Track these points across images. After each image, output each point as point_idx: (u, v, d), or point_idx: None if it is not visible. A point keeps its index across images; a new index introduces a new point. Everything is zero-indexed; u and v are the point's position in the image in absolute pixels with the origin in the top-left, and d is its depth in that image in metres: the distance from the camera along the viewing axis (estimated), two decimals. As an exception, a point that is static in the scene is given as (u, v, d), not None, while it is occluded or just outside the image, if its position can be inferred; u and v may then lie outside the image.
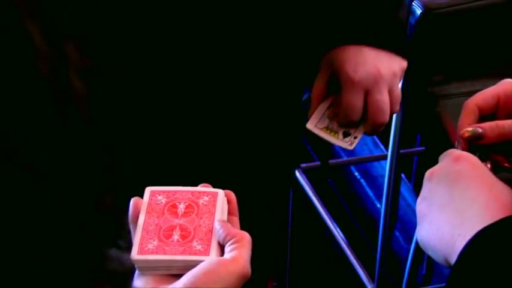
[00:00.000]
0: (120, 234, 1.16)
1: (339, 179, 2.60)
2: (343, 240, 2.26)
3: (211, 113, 1.20)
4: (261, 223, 1.34)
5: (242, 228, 0.86)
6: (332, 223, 2.30)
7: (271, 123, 1.27)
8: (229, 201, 0.87)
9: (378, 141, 2.55)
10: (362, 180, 2.58)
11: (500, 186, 0.74)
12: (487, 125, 0.84)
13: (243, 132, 1.24)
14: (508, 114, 0.85)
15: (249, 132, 1.24)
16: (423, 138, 2.31)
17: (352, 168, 2.60)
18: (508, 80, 0.87)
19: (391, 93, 1.20)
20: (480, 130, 0.83)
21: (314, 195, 2.36)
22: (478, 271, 0.67)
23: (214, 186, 0.89)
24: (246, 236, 0.81)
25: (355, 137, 1.23)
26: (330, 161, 2.48)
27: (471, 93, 0.89)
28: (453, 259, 0.70)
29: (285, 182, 1.44)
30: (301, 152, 2.51)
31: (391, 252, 2.26)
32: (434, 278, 2.15)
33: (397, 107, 1.22)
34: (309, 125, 1.23)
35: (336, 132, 1.23)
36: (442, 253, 0.73)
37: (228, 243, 0.81)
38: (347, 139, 1.23)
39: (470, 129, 0.84)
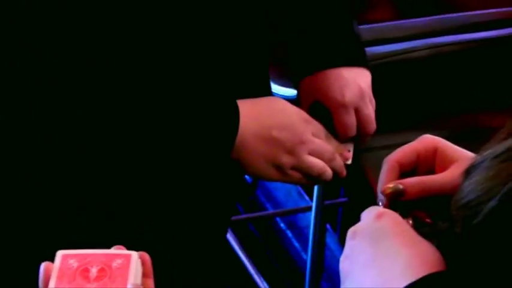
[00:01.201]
0: None
1: (264, 231, 2.60)
2: (269, 292, 2.26)
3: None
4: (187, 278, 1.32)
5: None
6: (258, 276, 2.30)
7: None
8: (143, 263, 0.85)
9: (302, 192, 2.56)
10: (288, 232, 2.58)
11: (422, 243, 0.75)
12: (408, 181, 0.85)
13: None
14: (428, 170, 0.87)
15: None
16: (346, 190, 2.33)
17: (278, 219, 2.60)
18: (427, 136, 0.88)
19: (371, 102, 1.27)
20: (401, 187, 0.84)
21: (239, 248, 2.35)
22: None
23: (137, 245, 0.88)
24: None
25: (349, 150, 1.27)
26: (256, 214, 2.48)
27: (392, 146, 0.90)
28: (377, 319, 0.70)
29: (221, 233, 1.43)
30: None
31: (318, 303, 2.26)
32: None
33: (374, 114, 1.28)
34: None
35: None
36: (366, 312, 0.73)
37: None
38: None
39: (391, 185, 0.85)
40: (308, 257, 2.02)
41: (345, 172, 1.22)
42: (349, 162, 1.27)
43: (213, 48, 1.15)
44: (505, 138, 0.70)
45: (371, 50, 1.72)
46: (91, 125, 1.08)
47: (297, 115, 1.16)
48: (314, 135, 1.17)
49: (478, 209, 0.67)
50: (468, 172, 0.71)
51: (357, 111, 1.25)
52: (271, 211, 2.57)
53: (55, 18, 1.04)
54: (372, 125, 1.27)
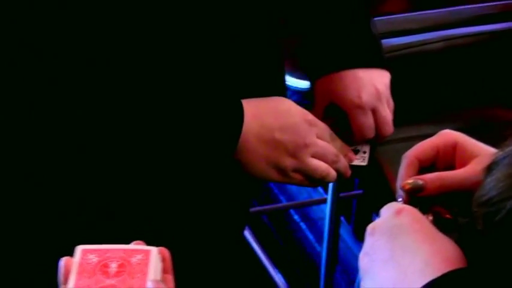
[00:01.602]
0: None
1: (278, 223, 2.60)
2: (284, 285, 2.26)
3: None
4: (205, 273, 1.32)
5: (179, 284, 0.85)
6: (273, 268, 2.30)
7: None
8: (163, 259, 0.85)
9: (316, 184, 2.56)
10: (302, 224, 2.58)
11: (442, 239, 0.75)
12: (427, 177, 0.85)
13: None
14: (448, 166, 0.86)
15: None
16: (361, 181, 2.32)
17: (292, 212, 2.60)
18: (447, 131, 0.88)
19: (388, 103, 1.26)
20: (421, 182, 0.84)
21: (254, 240, 2.35)
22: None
23: (156, 237, 0.88)
24: None
25: (365, 152, 1.27)
26: (270, 206, 2.48)
27: (407, 139, 0.90)
28: (397, 315, 0.70)
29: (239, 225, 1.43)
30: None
31: (332, 295, 2.27)
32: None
33: (392, 115, 1.27)
34: None
35: None
36: (386, 309, 0.73)
37: None
38: (358, 156, 1.26)
39: (410, 181, 0.84)
40: (323, 250, 2.02)
41: (349, 173, 1.21)
42: (365, 163, 1.26)
43: (226, 43, 1.14)
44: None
45: (384, 43, 1.71)
46: (95, 125, 1.08)
47: (301, 117, 1.14)
48: (318, 137, 1.15)
49: (500, 206, 0.66)
50: (490, 169, 0.71)
51: (374, 113, 1.24)
52: (285, 203, 2.57)
53: (55, 18, 1.03)
54: (389, 127, 1.25)
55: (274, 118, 1.12)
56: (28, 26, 1.03)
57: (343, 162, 1.19)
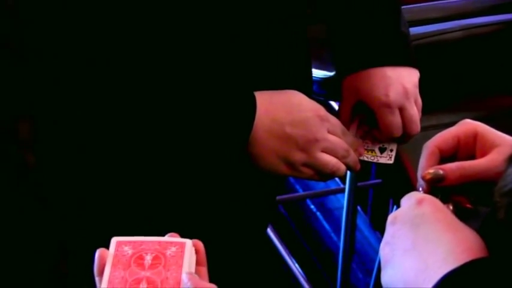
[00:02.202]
0: None
1: (295, 213, 2.60)
2: (301, 274, 2.26)
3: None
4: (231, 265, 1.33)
5: (212, 276, 0.85)
6: (290, 258, 2.30)
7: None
8: (197, 251, 0.85)
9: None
10: (318, 214, 2.58)
11: (463, 229, 0.75)
12: (448, 166, 0.85)
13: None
14: (468, 155, 0.86)
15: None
16: (378, 171, 2.32)
17: (308, 201, 2.60)
18: (467, 121, 0.88)
19: (416, 102, 1.26)
20: (441, 172, 0.84)
21: (271, 229, 2.36)
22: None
23: (188, 228, 0.88)
24: None
25: (391, 150, 1.27)
26: (286, 196, 2.48)
27: (427, 128, 0.89)
28: (419, 305, 0.70)
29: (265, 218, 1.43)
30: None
31: (349, 285, 2.26)
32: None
33: (420, 114, 1.27)
34: None
35: (373, 150, 1.27)
36: (407, 298, 0.73)
37: None
38: (385, 154, 1.27)
39: (431, 171, 0.85)
40: (341, 240, 2.02)
41: (358, 167, 1.21)
42: (392, 161, 1.26)
43: (252, 33, 1.14)
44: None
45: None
46: (106, 122, 1.08)
47: (312, 112, 1.14)
48: (329, 132, 1.16)
49: (522, 196, 0.67)
50: (512, 158, 0.71)
51: (401, 111, 1.24)
52: (301, 193, 2.57)
53: (56, 18, 1.04)
54: (416, 126, 1.25)
55: (285, 112, 1.12)
56: (30, 26, 1.04)
57: (353, 157, 1.19)
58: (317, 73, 1.67)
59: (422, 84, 1.30)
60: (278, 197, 2.46)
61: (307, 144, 1.13)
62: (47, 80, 1.06)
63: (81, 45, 1.05)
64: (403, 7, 1.32)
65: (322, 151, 1.15)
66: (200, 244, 0.86)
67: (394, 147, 1.27)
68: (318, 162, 1.15)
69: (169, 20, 1.08)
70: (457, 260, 0.70)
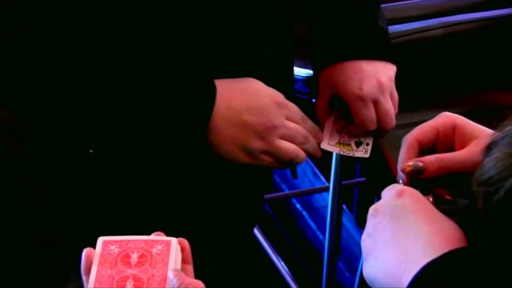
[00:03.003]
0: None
1: (281, 212, 2.61)
2: (287, 273, 2.26)
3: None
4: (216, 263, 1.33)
5: (198, 275, 0.85)
6: (276, 256, 2.30)
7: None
8: (183, 249, 0.86)
9: (318, 173, 2.56)
10: (304, 213, 2.59)
11: (442, 219, 0.75)
12: (427, 159, 0.85)
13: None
14: (447, 147, 0.87)
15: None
16: (363, 169, 2.33)
17: (294, 200, 2.60)
18: (446, 114, 0.88)
19: (392, 97, 1.25)
20: (421, 164, 0.84)
21: (257, 229, 2.36)
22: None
23: (173, 226, 0.89)
24: (200, 285, 0.80)
25: (367, 144, 1.26)
26: (273, 195, 2.48)
27: (409, 125, 0.90)
28: (400, 294, 0.70)
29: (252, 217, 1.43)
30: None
31: (335, 283, 2.27)
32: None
33: (396, 109, 1.26)
34: (323, 145, 1.25)
35: (349, 145, 1.27)
36: (388, 288, 0.73)
37: None
38: (361, 148, 1.26)
39: (411, 163, 0.85)
40: (326, 238, 2.02)
41: (319, 154, 1.20)
42: (367, 155, 1.26)
43: (235, 29, 1.14)
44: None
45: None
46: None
47: (270, 98, 1.13)
48: (288, 118, 1.14)
49: (499, 185, 0.67)
50: (489, 149, 0.71)
51: (376, 105, 1.23)
52: (287, 192, 2.57)
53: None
54: (391, 120, 1.24)
55: (242, 99, 1.11)
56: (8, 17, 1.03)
57: (312, 144, 1.17)
58: (301, 72, 1.68)
59: (404, 81, 1.31)
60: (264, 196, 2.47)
61: (265, 132, 1.11)
62: (25, 71, 1.05)
63: (51, 32, 1.04)
64: (384, 5, 1.33)
65: (281, 138, 1.13)
66: (186, 242, 0.86)
67: (370, 141, 1.26)
68: (277, 150, 1.13)
69: (149, 15, 1.08)
70: (436, 251, 0.71)
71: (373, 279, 0.76)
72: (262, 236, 2.34)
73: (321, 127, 1.26)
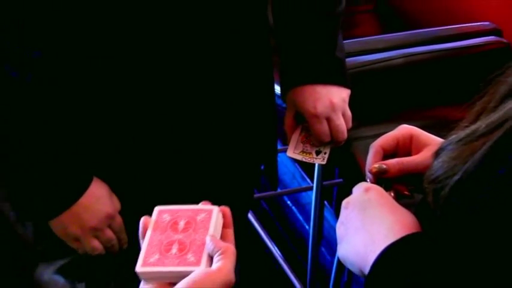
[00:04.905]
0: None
1: (275, 207, 2.60)
2: (280, 256, 2.26)
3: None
4: None
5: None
6: (270, 242, 2.30)
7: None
8: (224, 216, 0.83)
9: (304, 175, 2.55)
10: (293, 208, 2.58)
11: (402, 210, 0.75)
12: (390, 162, 0.85)
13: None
14: (406, 153, 0.87)
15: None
16: (341, 172, 2.32)
17: (285, 198, 2.60)
18: (404, 126, 0.88)
19: (344, 115, 1.24)
20: (385, 166, 0.84)
21: (256, 221, 2.35)
22: (386, 279, 0.68)
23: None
24: (230, 248, 0.79)
25: (325, 153, 1.26)
26: (267, 193, 2.47)
27: (377, 135, 0.90)
28: (367, 270, 0.70)
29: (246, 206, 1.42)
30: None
31: (319, 264, 2.26)
32: (354, 284, 2.15)
33: (350, 124, 1.25)
34: (289, 153, 1.25)
35: (310, 153, 1.26)
36: (358, 266, 0.73)
37: (216, 255, 0.78)
38: (319, 156, 1.26)
39: (376, 165, 0.85)
40: (310, 228, 2.02)
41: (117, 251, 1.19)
42: (324, 162, 1.26)
43: (220, 43, 1.10)
44: (466, 126, 0.70)
45: (358, 59, 1.72)
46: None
47: (106, 208, 1.13)
48: (109, 226, 1.15)
49: (444, 183, 0.67)
50: (437, 153, 0.71)
51: (329, 122, 1.22)
52: (279, 191, 2.57)
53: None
54: (342, 134, 1.24)
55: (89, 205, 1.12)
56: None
57: (116, 247, 1.18)
58: (277, 89, 1.67)
59: (372, 100, 1.31)
60: (260, 194, 2.46)
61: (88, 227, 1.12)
62: None
63: None
64: (355, 39, 1.33)
65: (95, 237, 1.14)
66: (227, 210, 0.84)
67: (327, 150, 1.26)
68: (87, 243, 1.14)
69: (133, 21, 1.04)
70: (396, 235, 0.71)
71: (346, 259, 0.76)
72: (260, 226, 2.34)
73: (289, 138, 1.26)
